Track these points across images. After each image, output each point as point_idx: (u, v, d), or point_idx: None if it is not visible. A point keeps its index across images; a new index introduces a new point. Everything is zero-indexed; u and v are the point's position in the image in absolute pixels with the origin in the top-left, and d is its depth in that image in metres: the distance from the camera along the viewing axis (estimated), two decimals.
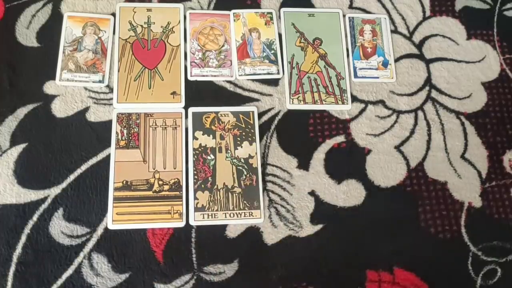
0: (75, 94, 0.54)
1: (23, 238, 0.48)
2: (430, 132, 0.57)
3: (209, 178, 0.52)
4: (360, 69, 0.58)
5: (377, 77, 0.58)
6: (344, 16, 0.61)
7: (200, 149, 0.53)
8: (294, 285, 0.49)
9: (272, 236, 0.51)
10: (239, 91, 0.56)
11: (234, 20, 0.58)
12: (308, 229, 0.51)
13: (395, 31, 0.61)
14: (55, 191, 0.50)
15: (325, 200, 0.53)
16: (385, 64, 0.59)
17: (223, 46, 0.57)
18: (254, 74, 0.56)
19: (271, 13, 0.59)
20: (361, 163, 0.55)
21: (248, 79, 0.56)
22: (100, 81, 0.54)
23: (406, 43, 0.61)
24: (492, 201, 0.55)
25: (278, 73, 0.57)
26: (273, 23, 0.58)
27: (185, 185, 0.51)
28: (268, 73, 0.56)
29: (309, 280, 0.49)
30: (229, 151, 0.53)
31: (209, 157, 0.53)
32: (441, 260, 0.52)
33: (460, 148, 0.57)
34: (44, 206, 0.49)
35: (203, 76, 0.55)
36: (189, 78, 0.55)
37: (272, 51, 0.57)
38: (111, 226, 0.49)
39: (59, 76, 0.54)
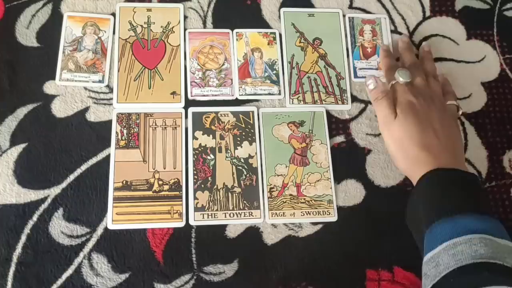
0: (75, 94, 0.54)
1: (23, 238, 0.48)
2: None
3: (209, 178, 0.52)
4: (360, 69, 0.58)
5: (378, 77, 0.58)
6: (344, 16, 0.61)
7: (200, 149, 0.53)
8: (294, 285, 0.49)
9: (272, 236, 0.51)
10: None
11: (237, 39, 0.58)
12: (308, 229, 0.52)
13: (395, 31, 0.61)
14: (55, 191, 0.50)
15: None
16: None
17: (223, 65, 0.57)
18: (255, 94, 0.56)
19: (274, 33, 0.59)
20: (361, 163, 0.55)
21: (249, 99, 0.56)
22: (100, 81, 0.54)
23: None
24: (492, 201, 0.55)
25: (280, 93, 0.56)
26: (276, 43, 0.58)
27: (185, 185, 0.51)
28: (269, 94, 0.56)
29: (309, 280, 0.49)
30: (229, 151, 0.53)
31: (209, 157, 0.53)
32: None
33: None
34: (44, 206, 0.49)
35: (204, 95, 0.55)
36: (189, 97, 0.55)
37: (274, 72, 0.57)
38: (111, 226, 0.49)
39: (59, 76, 0.54)
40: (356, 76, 0.58)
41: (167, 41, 0.57)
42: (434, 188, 0.45)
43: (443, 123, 0.49)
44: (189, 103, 0.55)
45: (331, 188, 0.53)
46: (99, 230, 0.49)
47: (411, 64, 0.55)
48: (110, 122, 0.53)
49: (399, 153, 0.50)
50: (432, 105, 0.50)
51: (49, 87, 0.54)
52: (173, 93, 0.55)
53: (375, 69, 0.58)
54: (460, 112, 0.54)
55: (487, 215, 0.41)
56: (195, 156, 0.53)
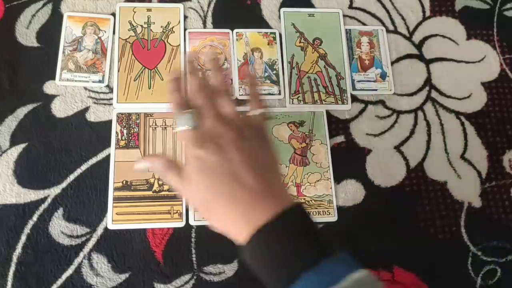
0: (75, 94, 0.54)
1: (23, 238, 0.48)
2: (430, 132, 0.57)
3: None
4: (358, 81, 0.58)
5: (376, 89, 0.58)
6: (344, 16, 0.61)
7: None
8: None
9: None
10: None
11: (237, 39, 0.58)
12: None
13: (395, 31, 0.61)
14: (55, 191, 0.50)
15: None
16: (383, 76, 0.59)
17: (223, 65, 0.57)
18: None
19: (274, 33, 0.59)
20: (361, 163, 0.55)
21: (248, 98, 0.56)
22: (100, 81, 0.54)
23: (406, 43, 0.61)
24: (492, 201, 0.55)
25: (280, 93, 0.56)
26: (276, 43, 0.58)
27: None
28: (270, 94, 0.56)
29: None
30: None
31: None
32: (441, 260, 0.52)
33: (460, 148, 0.57)
34: (44, 206, 0.49)
35: None
36: None
37: (274, 72, 0.57)
38: (111, 226, 0.49)
39: (59, 76, 0.54)
40: (354, 88, 0.58)
41: (167, 41, 0.57)
42: (260, 256, 0.36)
43: (246, 159, 0.39)
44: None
45: (331, 188, 0.53)
46: (99, 230, 0.49)
47: (198, 95, 0.41)
48: (110, 122, 0.53)
49: (212, 218, 0.39)
50: (226, 147, 0.39)
51: (49, 87, 0.54)
52: None
53: (373, 81, 0.58)
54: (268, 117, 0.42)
55: (320, 260, 0.35)
56: None
